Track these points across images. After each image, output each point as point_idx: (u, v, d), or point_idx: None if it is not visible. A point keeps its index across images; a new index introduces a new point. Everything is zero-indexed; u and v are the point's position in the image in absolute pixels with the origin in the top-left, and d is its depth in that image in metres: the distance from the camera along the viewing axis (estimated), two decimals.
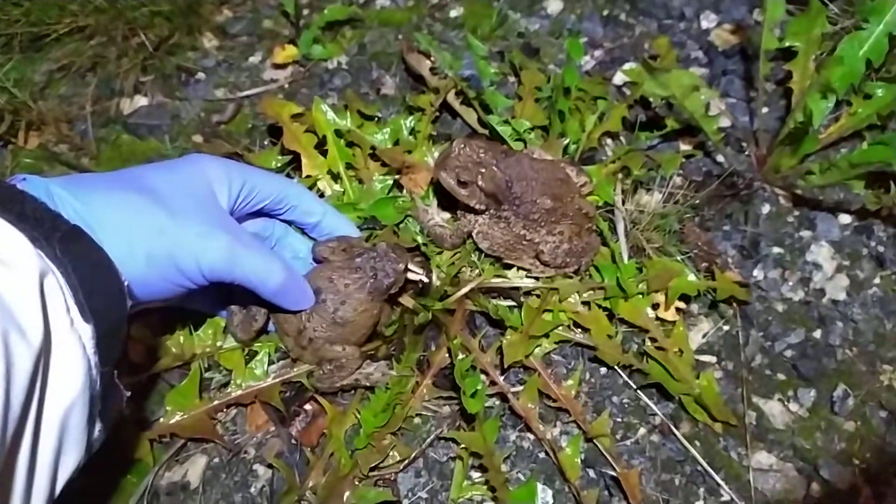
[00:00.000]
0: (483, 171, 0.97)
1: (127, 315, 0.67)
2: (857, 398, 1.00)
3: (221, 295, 0.94)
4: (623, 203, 1.11)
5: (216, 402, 0.93)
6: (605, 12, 1.49)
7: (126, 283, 0.67)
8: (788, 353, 1.03)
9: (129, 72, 1.36)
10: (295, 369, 0.96)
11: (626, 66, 1.36)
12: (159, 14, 1.37)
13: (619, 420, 0.98)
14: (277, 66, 1.40)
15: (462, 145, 0.98)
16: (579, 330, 1.02)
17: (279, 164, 1.10)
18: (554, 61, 1.40)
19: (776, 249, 1.12)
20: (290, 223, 1.00)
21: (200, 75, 1.40)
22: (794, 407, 0.99)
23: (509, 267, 1.05)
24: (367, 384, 0.94)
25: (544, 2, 1.52)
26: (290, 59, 1.39)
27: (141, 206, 0.73)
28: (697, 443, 0.96)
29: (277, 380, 0.95)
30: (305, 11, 1.44)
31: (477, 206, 0.99)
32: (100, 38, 1.35)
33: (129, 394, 0.69)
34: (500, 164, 0.99)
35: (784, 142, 1.12)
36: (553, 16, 1.49)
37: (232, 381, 0.94)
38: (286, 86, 1.38)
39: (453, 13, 1.51)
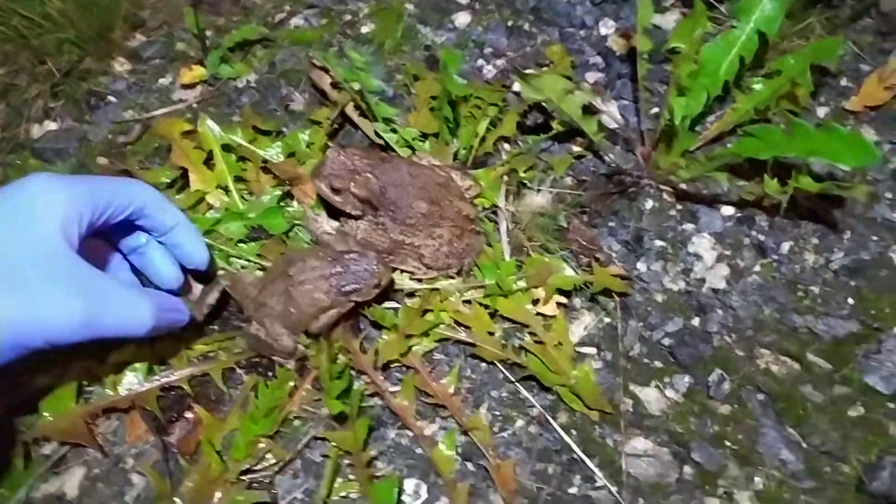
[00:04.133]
0: (357, 177, 1.00)
1: None
2: (733, 382, 1.02)
3: None
4: (507, 203, 1.14)
5: (92, 407, 0.94)
6: (510, 23, 1.53)
7: None
8: (666, 341, 1.05)
9: (38, 98, 1.38)
10: (175, 374, 0.97)
11: None
12: (67, 41, 1.39)
13: (498, 413, 1.00)
14: (186, 87, 1.43)
15: (336, 153, 1.01)
16: (462, 328, 1.04)
17: (168, 180, 1.12)
18: (457, 72, 1.44)
19: (659, 243, 1.15)
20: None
21: (111, 98, 1.42)
22: (669, 393, 1.02)
23: (393, 270, 1.08)
24: (277, 353, 0.99)
25: (453, 15, 1.56)
26: (197, 80, 1.42)
27: None
28: (574, 432, 0.98)
29: (156, 384, 0.96)
30: (209, 32, 1.48)
31: (353, 212, 1.02)
32: (9, 67, 1.37)
33: None
34: (375, 171, 1.02)
35: (662, 139, 1.15)
36: (460, 28, 1.53)
37: (109, 386, 0.96)
38: (194, 105, 1.40)
39: (365, 29, 1.54)
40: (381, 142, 1.25)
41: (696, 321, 1.07)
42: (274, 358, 1.01)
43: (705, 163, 1.03)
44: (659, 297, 1.09)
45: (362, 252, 0.97)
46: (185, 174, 1.13)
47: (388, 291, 1.03)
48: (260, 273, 1.06)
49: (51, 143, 1.34)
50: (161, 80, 1.45)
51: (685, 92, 1.08)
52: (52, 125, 1.38)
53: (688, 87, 1.07)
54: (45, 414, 0.92)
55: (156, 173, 1.12)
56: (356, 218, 1.04)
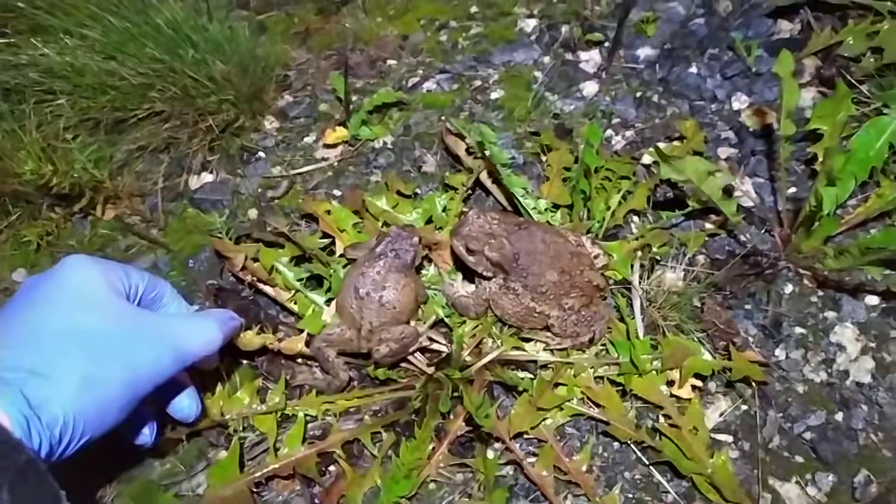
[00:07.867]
0: (493, 241, 1.04)
1: None
2: (880, 485, 0.98)
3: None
4: (641, 280, 1.14)
5: (256, 475, 0.98)
6: (639, 94, 1.56)
7: None
8: (808, 435, 1.02)
9: (198, 151, 1.51)
10: (329, 440, 1.02)
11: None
12: (227, 101, 1.52)
13: (631, 496, 0.99)
14: (328, 146, 1.53)
15: (476, 216, 1.06)
16: (594, 405, 1.05)
17: (321, 246, 1.20)
18: (596, 148, 1.47)
19: (799, 330, 1.12)
20: None
21: (261, 154, 1.54)
22: (812, 491, 0.98)
23: (529, 340, 1.10)
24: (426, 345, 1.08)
25: (581, 84, 1.60)
26: (339, 140, 1.52)
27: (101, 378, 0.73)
28: None
29: (313, 450, 1.00)
30: (355, 97, 1.58)
31: (484, 273, 1.06)
32: (174, 122, 1.51)
33: None
34: (510, 237, 1.05)
35: (804, 224, 1.14)
36: (588, 98, 1.57)
37: (269, 451, 1.01)
38: (335, 164, 1.50)
39: (494, 95, 1.60)
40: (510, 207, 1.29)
41: (839, 416, 1.04)
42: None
43: (858, 256, 1.01)
44: (800, 388, 1.07)
45: (383, 235, 1.11)
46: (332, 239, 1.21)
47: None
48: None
49: (207, 193, 1.46)
50: (305, 139, 1.56)
51: (835, 182, 1.06)
52: (208, 177, 1.50)
53: (838, 178, 1.06)
54: (211, 482, 0.97)
55: (310, 239, 1.21)
56: (487, 279, 1.08)
